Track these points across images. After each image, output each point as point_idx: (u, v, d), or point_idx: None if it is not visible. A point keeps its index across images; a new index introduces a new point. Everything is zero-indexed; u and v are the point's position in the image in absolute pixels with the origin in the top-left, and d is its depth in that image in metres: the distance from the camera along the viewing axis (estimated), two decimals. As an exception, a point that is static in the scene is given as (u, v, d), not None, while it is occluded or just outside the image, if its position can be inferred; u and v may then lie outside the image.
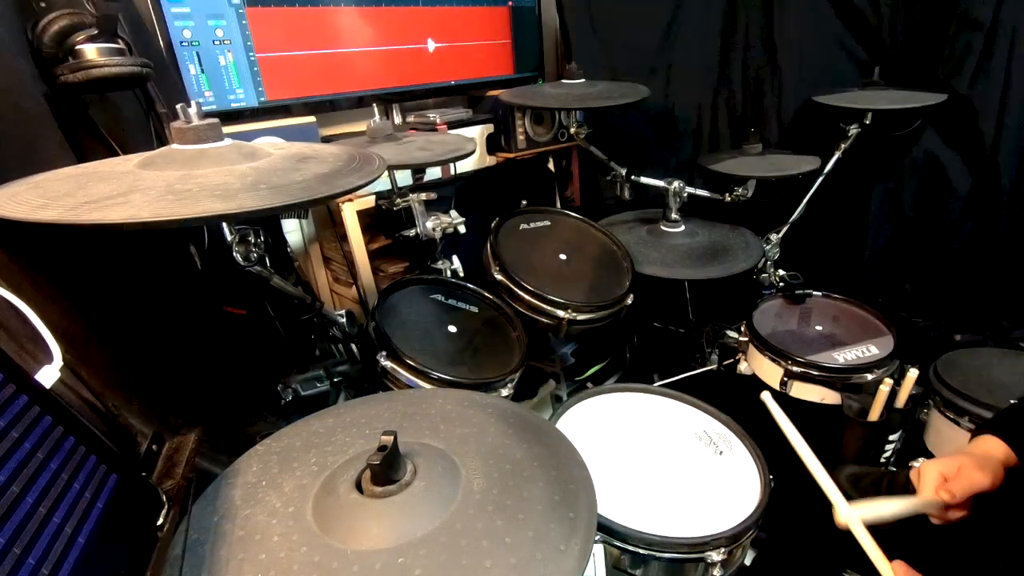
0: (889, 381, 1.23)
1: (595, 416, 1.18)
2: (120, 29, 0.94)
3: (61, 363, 0.63)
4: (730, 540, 0.90)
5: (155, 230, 0.97)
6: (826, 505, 0.76)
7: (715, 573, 0.90)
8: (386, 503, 0.61)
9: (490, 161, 1.94)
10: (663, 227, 1.67)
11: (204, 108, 0.76)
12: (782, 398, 1.29)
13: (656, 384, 1.39)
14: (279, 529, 0.61)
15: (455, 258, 1.49)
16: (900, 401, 1.25)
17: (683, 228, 1.67)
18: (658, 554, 0.89)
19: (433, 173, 1.67)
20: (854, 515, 0.71)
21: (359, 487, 0.63)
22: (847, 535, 0.72)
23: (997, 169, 1.48)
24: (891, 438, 1.30)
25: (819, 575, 1.21)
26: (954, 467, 0.76)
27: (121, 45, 0.93)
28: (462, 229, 1.47)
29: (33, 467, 0.49)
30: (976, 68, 1.43)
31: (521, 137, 1.90)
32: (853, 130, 1.54)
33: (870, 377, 1.27)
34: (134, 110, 1.05)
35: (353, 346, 1.29)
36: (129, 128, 1.04)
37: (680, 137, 1.89)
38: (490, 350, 1.30)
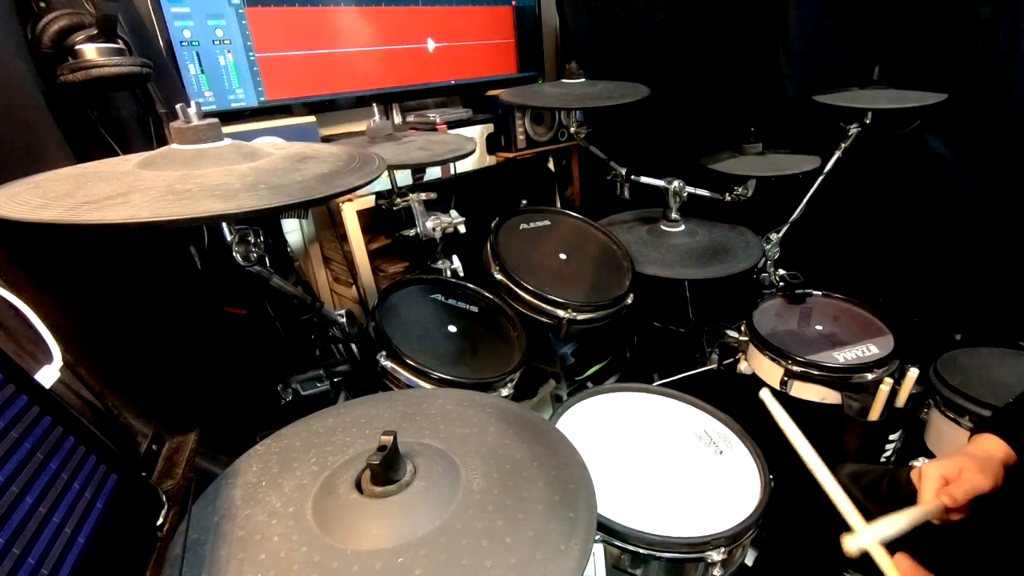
0: (889, 381, 1.23)
1: (595, 416, 1.18)
2: (120, 29, 0.94)
3: (61, 363, 0.63)
4: (730, 540, 0.90)
5: (155, 230, 0.97)
6: (824, 504, 0.76)
7: (715, 573, 0.90)
8: (386, 503, 0.61)
9: (490, 161, 1.94)
10: (663, 227, 1.67)
11: (204, 108, 0.76)
12: (782, 398, 1.29)
13: (656, 384, 1.39)
14: (279, 529, 0.61)
15: (455, 258, 1.49)
16: (900, 401, 1.25)
17: (683, 228, 1.67)
18: (658, 554, 0.89)
19: (433, 173, 1.67)
20: (871, 537, 0.70)
21: (359, 487, 0.63)
22: (844, 533, 0.72)
23: (997, 168, 1.47)
24: (891, 437, 1.30)
25: (818, 573, 1.21)
26: (955, 469, 0.76)
27: (121, 45, 0.93)
28: (462, 229, 1.47)
29: (33, 467, 0.49)
30: (976, 68, 1.43)
31: (521, 137, 1.90)
32: (853, 130, 1.54)
33: (870, 377, 1.27)
34: (134, 110, 1.05)
35: (353, 346, 1.29)
36: (129, 128, 1.04)
37: (680, 137, 1.89)
38: (490, 350, 1.30)
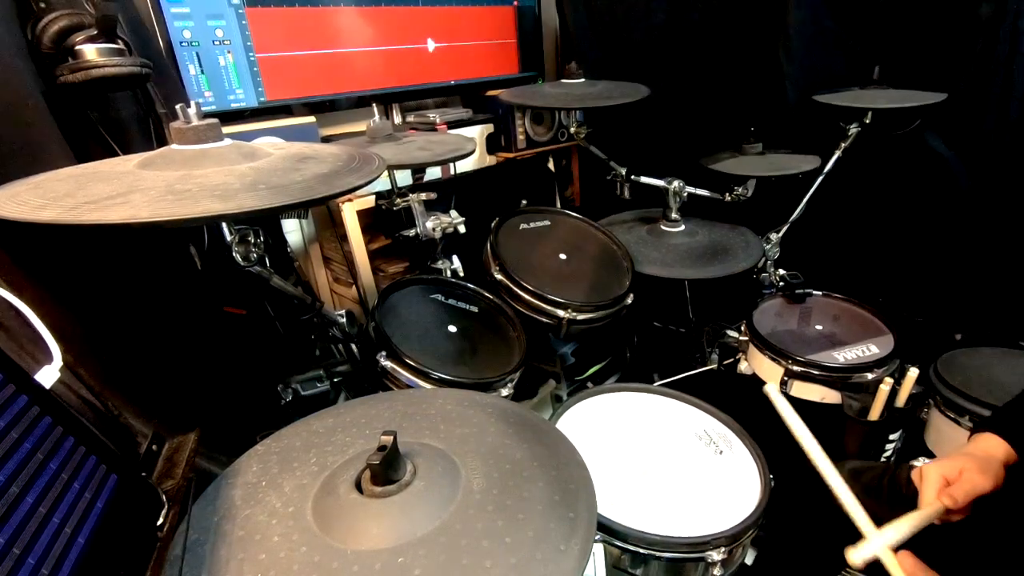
0: (889, 380, 1.23)
1: (595, 416, 1.18)
2: (120, 29, 0.94)
3: (61, 363, 0.63)
4: (730, 540, 0.90)
5: (155, 230, 0.97)
6: (824, 502, 0.76)
7: (715, 573, 0.90)
8: (386, 503, 0.61)
9: (490, 161, 1.94)
10: (663, 227, 1.67)
11: (204, 108, 0.76)
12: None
13: (656, 384, 1.39)
14: (279, 529, 0.61)
15: (455, 258, 1.49)
16: (900, 400, 1.25)
17: (683, 228, 1.67)
18: (658, 554, 0.89)
19: (433, 173, 1.67)
20: (880, 545, 0.70)
21: (359, 487, 0.63)
22: (845, 532, 0.72)
23: (997, 168, 1.47)
24: (891, 437, 1.30)
25: (818, 573, 1.21)
26: (955, 469, 0.76)
27: (121, 45, 0.93)
28: (462, 229, 1.47)
29: (33, 467, 0.49)
30: (976, 68, 1.43)
31: (521, 137, 1.90)
32: (853, 129, 1.54)
33: (870, 376, 1.27)
34: (134, 110, 1.05)
35: (353, 346, 1.29)
36: (129, 128, 1.04)
37: (680, 137, 1.89)
38: (490, 350, 1.30)
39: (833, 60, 1.64)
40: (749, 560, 1.14)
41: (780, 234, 1.66)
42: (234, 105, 1.47)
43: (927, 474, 0.77)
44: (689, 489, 1.00)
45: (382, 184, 1.36)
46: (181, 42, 1.36)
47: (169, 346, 0.99)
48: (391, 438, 0.61)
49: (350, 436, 0.76)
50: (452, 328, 1.31)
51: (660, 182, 1.63)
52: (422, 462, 0.66)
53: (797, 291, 1.55)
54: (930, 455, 1.20)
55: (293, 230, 1.71)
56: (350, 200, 1.56)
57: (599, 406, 1.21)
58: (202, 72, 1.40)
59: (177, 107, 0.74)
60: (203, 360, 1.09)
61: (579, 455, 0.72)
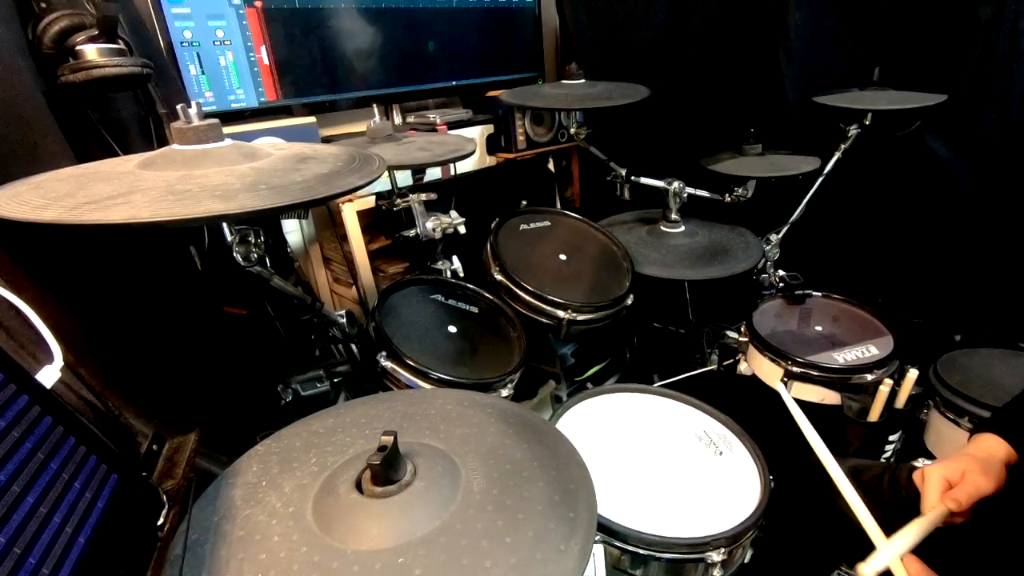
0: (889, 381, 1.23)
1: (595, 416, 1.18)
2: (120, 29, 0.94)
3: (62, 363, 0.63)
4: (730, 540, 0.90)
5: (155, 230, 0.97)
6: (823, 501, 0.76)
7: (715, 573, 0.90)
8: (386, 503, 0.61)
9: (490, 161, 1.94)
10: (663, 227, 1.67)
11: (204, 108, 0.76)
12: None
13: (656, 384, 1.39)
14: (279, 529, 0.61)
15: (455, 258, 1.49)
16: (900, 401, 1.25)
17: (683, 228, 1.67)
18: (658, 554, 0.89)
19: (433, 173, 1.67)
20: (893, 555, 0.70)
21: (359, 487, 0.63)
22: (842, 532, 0.72)
23: (997, 169, 1.48)
24: (891, 438, 1.30)
25: (814, 571, 1.21)
26: (958, 472, 0.75)
27: (121, 45, 0.93)
28: (462, 229, 1.47)
29: (33, 467, 0.49)
30: (976, 69, 1.44)
31: (521, 137, 1.90)
32: (853, 130, 1.54)
33: (870, 377, 1.27)
34: (134, 110, 1.05)
35: (353, 346, 1.30)
36: (129, 128, 1.04)
37: (680, 138, 1.89)
38: (490, 350, 1.30)
39: (833, 61, 1.64)
40: (748, 560, 1.14)
41: (780, 235, 1.67)
42: (234, 105, 1.47)
43: (929, 477, 0.77)
44: (689, 490, 1.00)
45: (382, 184, 1.36)
46: (182, 42, 1.36)
47: (169, 346, 0.99)
48: (391, 438, 0.61)
49: (350, 436, 0.76)
50: (452, 328, 1.31)
51: (660, 183, 1.63)
52: (422, 462, 0.66)
53: (797, 292, 1.55)
54: (930, 456, 1.20)
55: (293, 230, 1.71)
56: (350, 200, 1.56)
57: (599, 407, 1.21)
58: (202, 72, 1.40)
59: (178, 107, 0.74)
60: (203, 360, 1.09)
61: (579, 455, 0.72)
